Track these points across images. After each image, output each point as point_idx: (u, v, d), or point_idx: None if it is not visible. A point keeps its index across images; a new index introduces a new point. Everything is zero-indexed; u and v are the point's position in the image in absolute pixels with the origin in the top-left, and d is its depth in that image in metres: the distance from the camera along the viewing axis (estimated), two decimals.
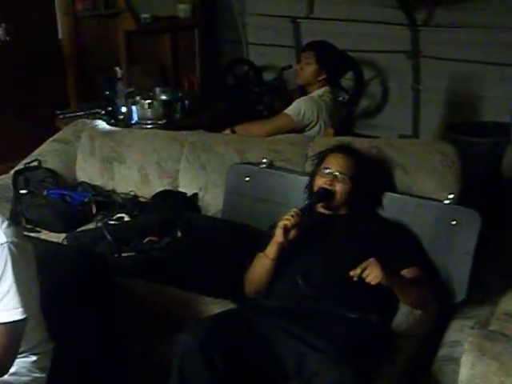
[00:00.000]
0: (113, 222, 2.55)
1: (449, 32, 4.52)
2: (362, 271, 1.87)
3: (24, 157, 3.03)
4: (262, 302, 2.06)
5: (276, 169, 2.55)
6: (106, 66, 4.23)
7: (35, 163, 2.95)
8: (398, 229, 2.22)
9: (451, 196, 2.20)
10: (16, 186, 2.84)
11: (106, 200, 2.76)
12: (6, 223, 1.53)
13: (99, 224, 2.55)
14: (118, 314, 2.05)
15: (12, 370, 1.58)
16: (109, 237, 2.35)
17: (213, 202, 2.69)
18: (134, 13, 4.73)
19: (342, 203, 2.20)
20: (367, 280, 1.87)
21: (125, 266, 2.25)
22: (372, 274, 1.86)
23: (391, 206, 2.30)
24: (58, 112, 3.79)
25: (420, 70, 4.77)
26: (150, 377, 2.09)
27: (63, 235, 2.52)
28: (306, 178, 2.37)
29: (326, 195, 2.17)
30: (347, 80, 4.29)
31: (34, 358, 1.64)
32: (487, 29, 4.30)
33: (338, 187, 2.18)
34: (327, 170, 2.22)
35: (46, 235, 2.56)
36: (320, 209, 2.21)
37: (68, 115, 3.73)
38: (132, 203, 2.72)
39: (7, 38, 3.90)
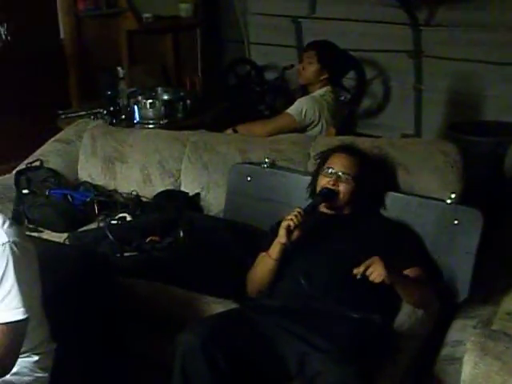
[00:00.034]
0: (115, 222, 2.55)
1: (451, 31, 4.51)
2: (366, 269, 1.86)
3: (26, 157, 3.03)
4: (265, 302, 2.06)
5: (278, 168, 2.55)
6: (107, 65, 4.24)
7: (37, 163, 2.95)
8: (400, 229, 2.22)
9: (453, 195, 2.20)
10: (18, 185, 2.84)
11: (108, 200, 2.76)
12: (7, 223, 1.53)
13: (101, 224, 2.55)
14: (120, 313, 2.05)
15: (14, 369, 1.58)
16: (111, 237, 2.35)
17: (215, 202, 2.69)
18: (135, 12, 4.72)
19: (345, 203, 2.20)
20: (370, 278, 1.87)
21: (127, 266, 2.25)
22: (375, 272, 1.86)
23: (393, 205, 2.30)
24: (60, 112, 3.79)
25: (422, 70, 4.76)
26: (151, 376, 2.09)
27: (65, 235, 2.52)
28: (308, 178, 2.37)
29: (329, 195, 2.17)
30: (349, 79, 4.30)
31: (36, 357, 1.65)
32: (489, 28, 4.29)
33: (342, 187, 2.18)
34: (330, 170, 2.21)
35: (48, 235, 2.57)
36: (323, 208, 2.21)
37: (70, 115, 3.74)
38: (134, 203, 2.72)
39: (8, 38, 3.89)
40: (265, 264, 2.11)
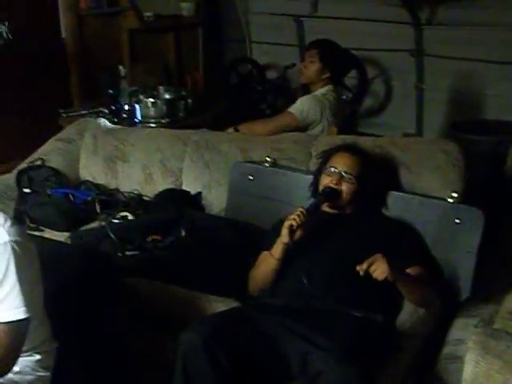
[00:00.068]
0: (116, 221, 2.55)
1: (452, 30, 4.51)
2: (369, 266, 1.86)
3: (27, 156, 3.03)
4: (267, 301, 2.06)
5: (279, 167, 2.55)
6: (109, 64, 4.24)
7: (39, 162, 2.95)
8: (402, 228, 2.22)
9: (455, 194, 2.20)
10: (19, 185, 2.84)
11: (110, 199, 2.77)
12: (9, 222, 1.53)
13: (103, 223, 2.55)
14: (122, 312, 2.05)
15: (16, 368, 1.59)
16: (112, 236, 2.35)
17: (216, 201, 2.69)
18: (137, 11, 4.72)
19: (348, 202, 2.20)
20: (374, 275, 1.87)
21: (128, 265, 2.25)
22: (379, 269, 1.86)
23: (395, 204, 2.30)
24: (62, 111, 3.79)
25: (423, 69, 4.76)
26: (153, 375, 2.09)
27: (67, 234, 2.52)
28: (309, 177, 2.37)
29: (331, 194, 2.17)
30: (351, 78, 4.29)
31: (38, 356, 1.65)
32: (490, 27, 4.29)
33: (344, 187, 2.18)
34: (333, 169, 2.21)
35: (49, 234, 2.57)
36: (325, 208, 2.21)
37: (71, 114, 3.74)
38: (136, 202, 2.72)
39: (10, 37, 3.89)
40: (267, 263, 2.11)
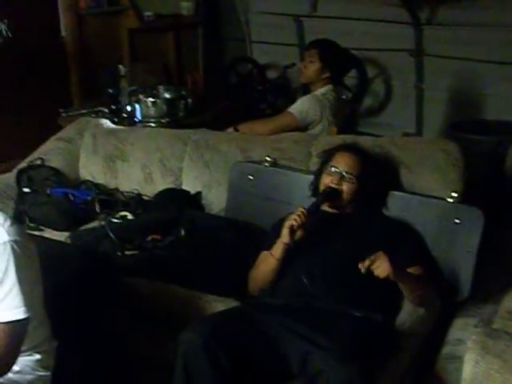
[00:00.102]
0: (116, 221, 2.55)
1: (452, 30, 4.51)
2: (371, 264, 1.86)
3: (27, 155, 3.03)
4: (267, 301, 2.06)
5: (279, 167, 2.55)
6: (109, 63, 4.23)
7: (38, 162, 2.95)
8: (402, 228, 2.22)
9: (455, 194, 2.20)
10: (19, 184, 2.84)
11: (110, 198, 2.77)
12: (9, 222, 1.53)
13: (102, 222, 2.55)
14: (121, 312, 2.05)
15: (16, 368, 1.59)
16: (112, 235, 2.36)
17: (216, 201, 2.69)
18: (137, 10, 4.72)
19: (348, 202, 2.20)
20: (375, 273, 1.86)
21: (128, 265, 2.25)
22: (380, 267, 1.86)
23: (395, 204, 2.30)
24: (61, 110, 3.79)
25: (423, 69, 4.76)
26: (153, 375, 2.09)
27: (66, 234, 2.52)
28: (309, 177, 2.37)
29: (332, 194, 2.17)
30: (351, 78, 4.29)
31: (37, 356, 1.65)
32: (490, 27, 4.29)
33: (345, 186, 2.18)
34: (334, 169, 2.21)
35: (49, 234, 2.57)
36: (326, 207, 2.21)
37: (71, 113, 3.73)
38: (135, 201, 2.72)
39: (9, 35, 3.89)
40: (267, 263, 2.11)
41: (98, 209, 2.70)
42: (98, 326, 1.90)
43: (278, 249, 2.07)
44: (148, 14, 4.80)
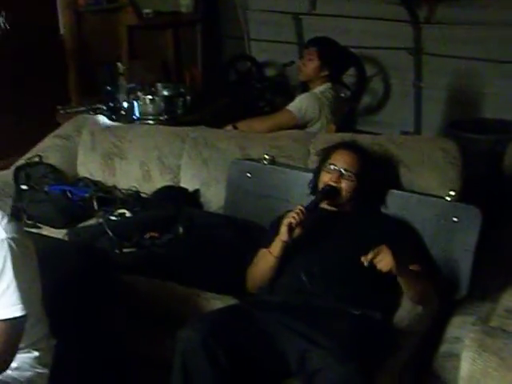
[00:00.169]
0: (114, 218, 2.55)
1: (450, 29, 4.51)
2: (374, 257, 1.86)
3: (25, 152, 3.03)
4: (265, 298, 2.06)
5: (278, 165, 2.55)
6: (107, 61, 4.22)
7: (36, 159, 2.95)
8: (400, 226, 2.22)
9: (453, 193, 2.20)
10: (17, 181, 2.84)
11: (108, 196, 2.76)
12: (6, 219, 1.53)
13: (100, 220, 2.55)
14: (120, 309, 2.05)
15: (15, 364, 1.59)
16: (110, 233, 2.35)
17: (214, 198, 2.69)
18: (136, 7, 4.71)
19: (347, 200, 2.20)
20: (378, 267, 1.86)
21: (126, 262, 2.25)
22: (383, 260, 1.86)
23: (393, 202, 2.30)
24: (59, 107, 3.78)
25: (422, 67, 4.76)
26: (151, 373, 2.09)
27: (64, 231, 2.52)
28: (307, 175, 2.37)
29: (331, 192, 2.17)
30: (349, 76, 4.29)
31: (36, 353, 1.65)
32: (489, 25, 4.29)
33: (344, 184, 2.18)
34: (333, 167, 2.21)
35: (47, 231, 2.56)
36: (324, 205, 2.21)
37: (69, 110, 3.73)
38: (133, 199, 2.71)
39: (7, 27, 3.87)
40: (266, 261, 2.11)
41: (95, 206, 2.70)
42: (96, 323, 1.90)
43: (276, 246, 2.07)
44: (147, 11, 4.79)
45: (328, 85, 3.16)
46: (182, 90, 3.84)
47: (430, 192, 2.29)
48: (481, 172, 3.09)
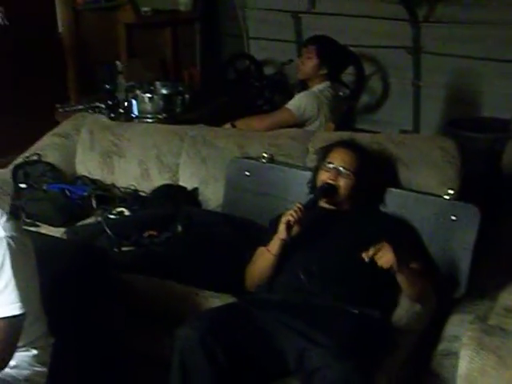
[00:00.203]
0: (113, 217, 2.55)
1: (449, 28, 4.51)
2: (375, 253, 1.86)
3: (23, 151, 3.02)
4: (264, 297, 2.06)
5: (276, 163, 2.55)
6: (106, 59, 4.22)
7: (35, 157, 2.94)
8: (398, 224, 2.23)
9: (451, 191, 2.20)
10: (16, 180, 2.83)
11: (106, 194, 2.76)
12: (5, 217, 1.53)
13: (99, 218, 2.54)
14: (118, 308, 2.05)
15: (13, 363, 1.59)
16: (108, 231, 2.35)
17: (213, 197, 2.69)
18: (134, 6, 4.71)
19: (345, 198, 2.20)
20: (379, 263, 1.87)
21: (125, 261, 2.25)
22: (384, 257, 1.86)
23: (391, 200, 2.30)
24: (58, 105, 3.78)
25: (421, 66, 4.76)
26: (149, 371, 2.09)
27: (63, 229, 2.52)
28: (306, 173, 2.37)
29: (329, 190, 2.17)
30: (348, 75, 4.29)
31: (34, 351, 1.65)
32: (488, 25, 4.29)
33: (342, 182, 2.18)
34: (331, 165, 2.21)
35: (45, 229, 2.56)
36: (323, 203, 2.21)
37: (68, 109, 3.72)
38: (132, 197, 2.72)
39: (6, 23, 3.87)
40: (264, 259, 2.11)
41: (94, 205, 2.70)
42: (95, 321, 1.90)
43: (274, 244, 2.07)
44: (145, 9, 4.79)
45: (327, 83, 3.16)
46: (181, 88, 3.83)
47: (428, 190, 2.29)
48: (479, 170, 3.09)
